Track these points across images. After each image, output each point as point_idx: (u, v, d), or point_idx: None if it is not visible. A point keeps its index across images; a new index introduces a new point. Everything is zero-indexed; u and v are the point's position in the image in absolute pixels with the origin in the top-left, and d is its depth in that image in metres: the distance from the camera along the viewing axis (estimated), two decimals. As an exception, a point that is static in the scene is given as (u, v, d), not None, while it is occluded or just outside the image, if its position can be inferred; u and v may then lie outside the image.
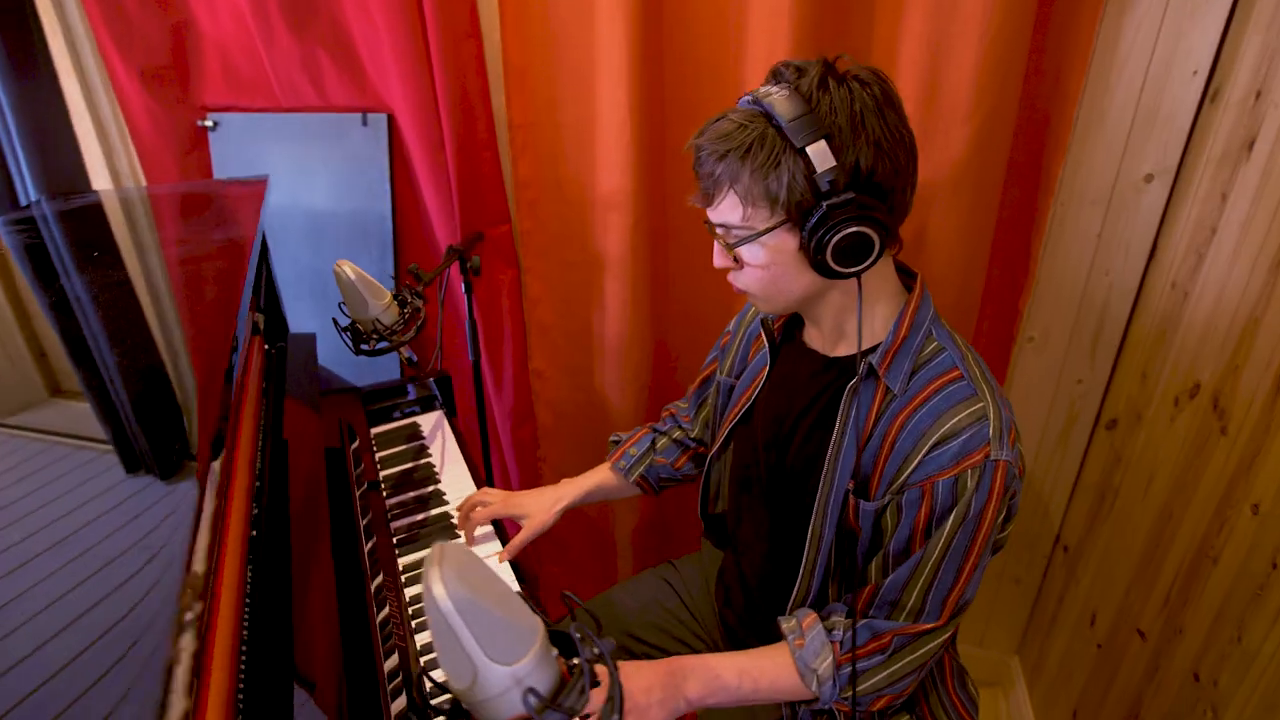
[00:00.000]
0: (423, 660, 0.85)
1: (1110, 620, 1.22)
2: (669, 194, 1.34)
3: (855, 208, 0.67)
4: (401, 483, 1.18)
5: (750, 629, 0.98)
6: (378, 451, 1.25)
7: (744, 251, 0.74)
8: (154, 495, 0.98)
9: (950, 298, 1.25)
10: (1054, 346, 1.34)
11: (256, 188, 1.19)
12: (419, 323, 0.97)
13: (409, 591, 0.96)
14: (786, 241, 0.72)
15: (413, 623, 0.91)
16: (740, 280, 0.78)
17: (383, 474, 1.20)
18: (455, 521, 1.09)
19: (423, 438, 1.30)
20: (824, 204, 0.67)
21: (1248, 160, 0.99)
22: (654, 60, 1.21)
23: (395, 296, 0.97)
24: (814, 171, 0.66)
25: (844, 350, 0.82)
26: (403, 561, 1.01)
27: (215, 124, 1.58)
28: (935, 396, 0.73)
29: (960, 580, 0.75)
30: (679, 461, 1.11)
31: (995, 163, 1.14)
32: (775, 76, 0.71)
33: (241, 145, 1.58)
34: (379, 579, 0.91)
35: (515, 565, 0.97)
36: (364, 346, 0.93)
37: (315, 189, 1.56)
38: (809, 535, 0.83)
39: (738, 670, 0.81)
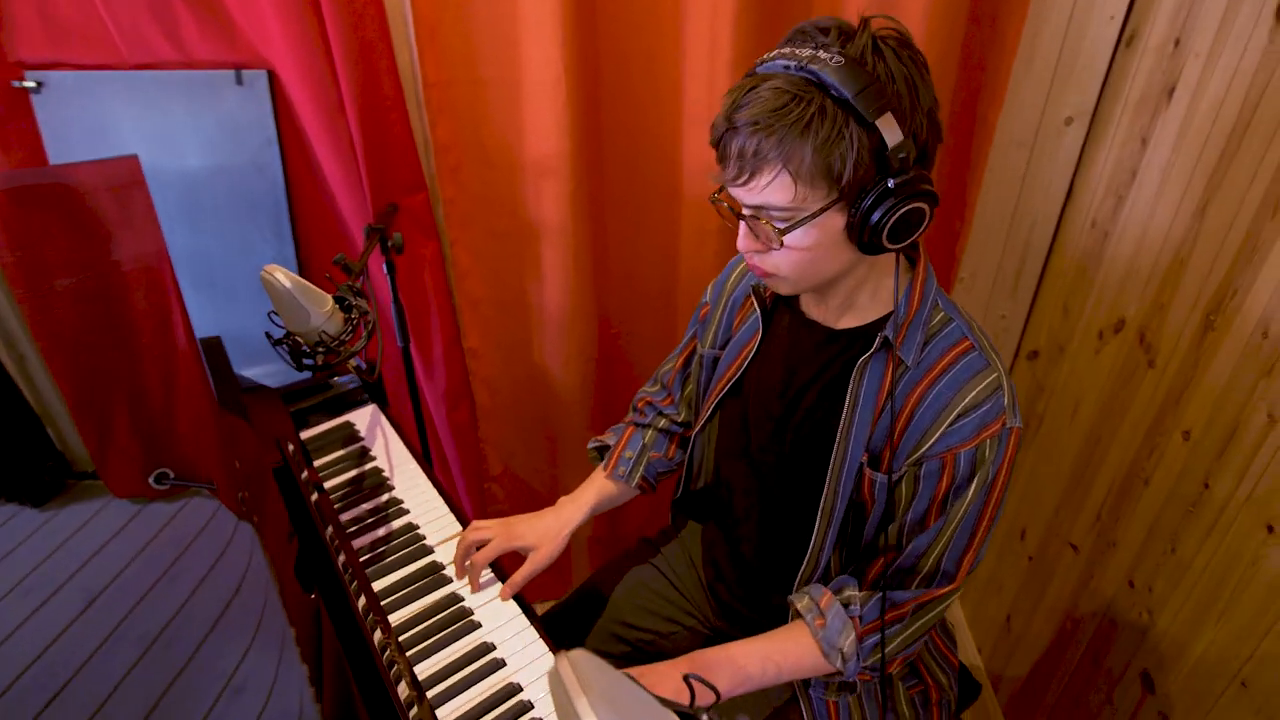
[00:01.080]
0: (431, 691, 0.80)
1: (1040, 535, 1.34)
2: (606, 157, 1.25)
3: (917, 182, 0.64)
4: (351, 494, 1.08)
5: (746, 601, 0.99)
6: (315, 459, 1.14)
7: (790, 235, 0.68)
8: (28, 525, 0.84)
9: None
10: (981, 284, 1.41)
11: (125, 169, 0.99)
12: (369, 327, 0.86)
13: (393, 618, 0.89)
14: (835, 221, 0.67)
15: (408, 653, 0.84)
16: (769, 262, 0.72)
17: (326, 485, 1.09)
18: (423, 534, 1.01)
19: (361, 438, 1.19)
20: (890, 181, 0.64)
21: (1167, 108, 1.04)
22: (586, 12, 1.10)
23: (337, 299, 0.85)
24: (885, 147, 0.62)
25: (850, 322, 0.80)
26: (376, 586, 0.93)
27: (39, 85, 1.30)
28: (952, 368, 0.74)
29: (974, 542, 0.76)
30: (670, 451, 1.07)
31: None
32: (808, 38, 0.64)
33: (78, 110, 1.32)
34: (362, 600, 0.83)
35: (519, 599, 0.91)
36: (308, 362, 0.82)
37: (185, 160, 1.33)
38: (820, 510, 0.82)
39: (761, 658, 0.81)
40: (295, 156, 1.31)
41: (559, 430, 1.53)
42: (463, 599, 0.92)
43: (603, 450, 1.08)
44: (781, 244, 0.69)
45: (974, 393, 0.72)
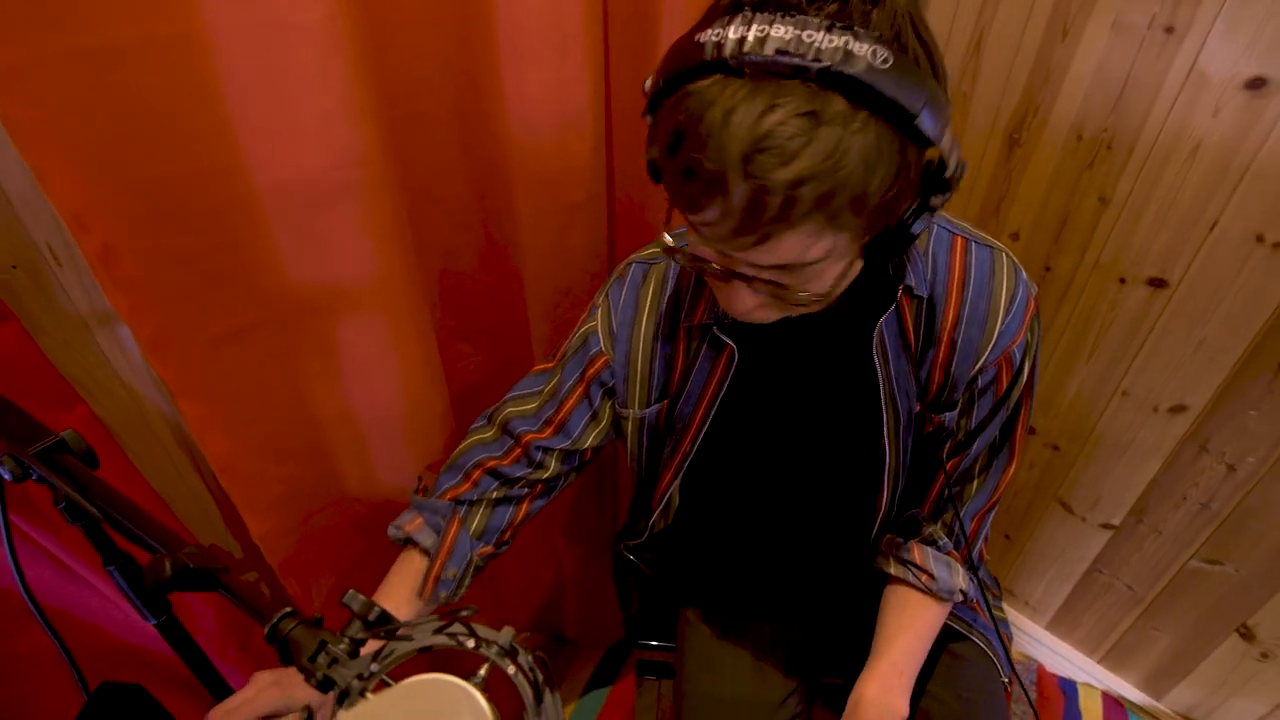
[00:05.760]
0: None
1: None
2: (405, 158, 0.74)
3: (954, 189, 0.53)
4: None
5: (821, 591, 0.95)
6: None
7: (815, 285, 0.54)
8: None
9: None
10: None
11: None
12: (518, 659, 0.36)
13: None
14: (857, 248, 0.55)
15: None
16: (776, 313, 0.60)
17: None
18: None
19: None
20: (934, 199, 0.51)
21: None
22: None
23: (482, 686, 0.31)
24: (944, 168, 0.49)
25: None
26: None
27: None
28: (970, 275, 0.67)
29: (1024, 414, 0.76)
30: (512, 524, 0.81)
31: None
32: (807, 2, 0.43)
33: None
34: None
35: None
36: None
37: None
38: (886, 471, 0.77)
39: (904, 648, 0.78)
40: None
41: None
42: None
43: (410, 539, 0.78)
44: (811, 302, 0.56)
45: (1004, 286, 0.67)
